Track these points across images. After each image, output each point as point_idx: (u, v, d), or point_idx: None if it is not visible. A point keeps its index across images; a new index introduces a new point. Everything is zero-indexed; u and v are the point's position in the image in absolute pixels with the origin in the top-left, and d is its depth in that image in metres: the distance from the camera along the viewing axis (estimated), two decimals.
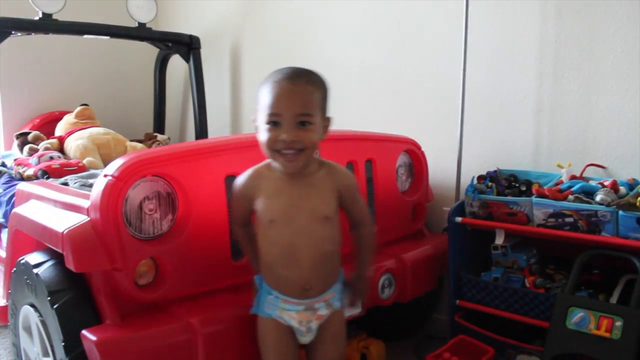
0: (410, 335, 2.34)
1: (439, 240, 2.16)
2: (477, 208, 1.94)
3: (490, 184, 1.98)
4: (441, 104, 2.39)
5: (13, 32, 2.76)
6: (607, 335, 1.56)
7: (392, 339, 2.23)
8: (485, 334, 1.90)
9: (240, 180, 1.45)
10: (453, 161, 2.25)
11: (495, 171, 2.08)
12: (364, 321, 1.95)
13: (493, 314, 1.90)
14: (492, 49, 2.22)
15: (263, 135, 1.35)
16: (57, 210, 1.63)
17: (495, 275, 1.94)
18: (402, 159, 2.17)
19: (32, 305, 1.58)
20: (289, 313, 1.42)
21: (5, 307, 1.87)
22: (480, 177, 2.04)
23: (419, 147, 2.22)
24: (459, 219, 1.97)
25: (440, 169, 2.38)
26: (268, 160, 1.43)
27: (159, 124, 3.67)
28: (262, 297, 1.45)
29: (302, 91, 1.33)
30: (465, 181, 2.13)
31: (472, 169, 2.20)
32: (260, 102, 1.36)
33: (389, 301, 1.91)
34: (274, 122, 1.33)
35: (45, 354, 1.55)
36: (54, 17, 2.80)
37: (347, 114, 2.75)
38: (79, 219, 1.46)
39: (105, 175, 1.43)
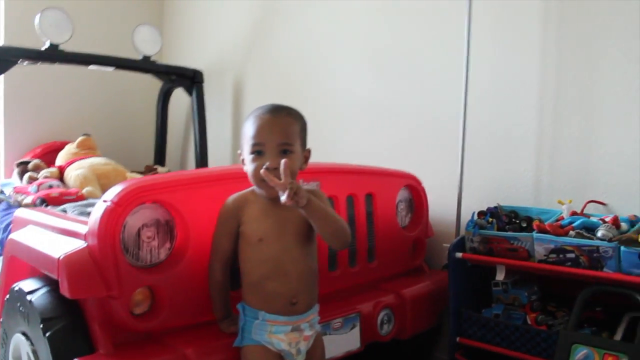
0: None
1: (439, 277, 2.14)
2: (477, 243, 1.93)
3: (490, 219, 1.97)
4: (442, 140, 2.40)
5: (20, 61, 2.79)
6: None
7: None
8: None
9: (227, 203, 1.50)
10: (453, 197, 2.24)
11: (495, 207, 2.07)
12: (362, 359, 1.91)
13: (494, 352, 1.86)
14: (493, 85, 2.25)
15: (249, 166, 1.45)
16: (54, 236, 1.62)
17: (496, 312, 1.91)
18: (402, 194, 2.17)
19: (24, 334, 1.55)
20: (277, 336, 1.43)
21: None
22: (480, 213, 2.03)
23: (419, 183, 2.22)
24: (459, 255, 1.95)
25: (440, 205, 2.37)
26: (252, 188, 1.51)
27: (160, 156, 3.68)
28: (247, 325, 1.45)
29: (282, 122, 1.44)
30: (465, 217, 2.12)
31: (472, 205, 2.19)
32: (244, 135, 1.47)
33: (388, 337, 1.88)
34: (257, 152, 1.43)
35: None
36: (61, 47, 2.84)
37: (348, 148, 2.77)
38: (76, 244, 1.45)
39: (105, 201, 1.42)
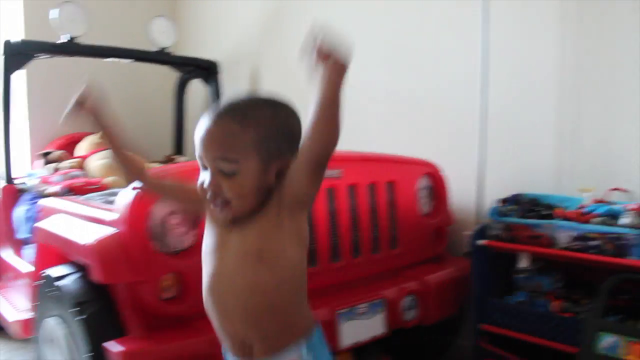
0: None
1: (461, 264, 2.14)
2: (500, 231, 1.92)
3: (512, 207, 1.97)
4: (461, 128, 2.39)
5: (37, 54, 2.81)
6: None
7: None
8: (510, 358, 1.86)
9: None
10: (472, 185, 2.24)
11: (516, 195, 2.06)
12: (388, 345, 1.93)
13: (518, 339, 1.86)
14: (513, 72, 2.23)
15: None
16: (82, 223, 1.64)
17: (519, 299, 1.91)
18: (422, 182, 2.17)
19: (58, 317, 1.58)
20: None
21: (30, 319, 1.86)
22: (502, 201, 2.03)
23: (439, 171, 2.22)
24: (482, 242, 1.96)
25: (459, 193, 2.37)
26: None
27: (178, 146, 3.70)
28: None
29: (222, 132, 1.02)
30: (485, 205, 2.12)
31: (492, 193, 2.19)
32: None
33: (412, 323, 1.89)
34: (203, 165, 1.06)
35: None
36: (77, 40, 2.85)
37: (368, 137, 2.76)
38: (105, 231, 1.47)
39: (134, 188, 1.44)
